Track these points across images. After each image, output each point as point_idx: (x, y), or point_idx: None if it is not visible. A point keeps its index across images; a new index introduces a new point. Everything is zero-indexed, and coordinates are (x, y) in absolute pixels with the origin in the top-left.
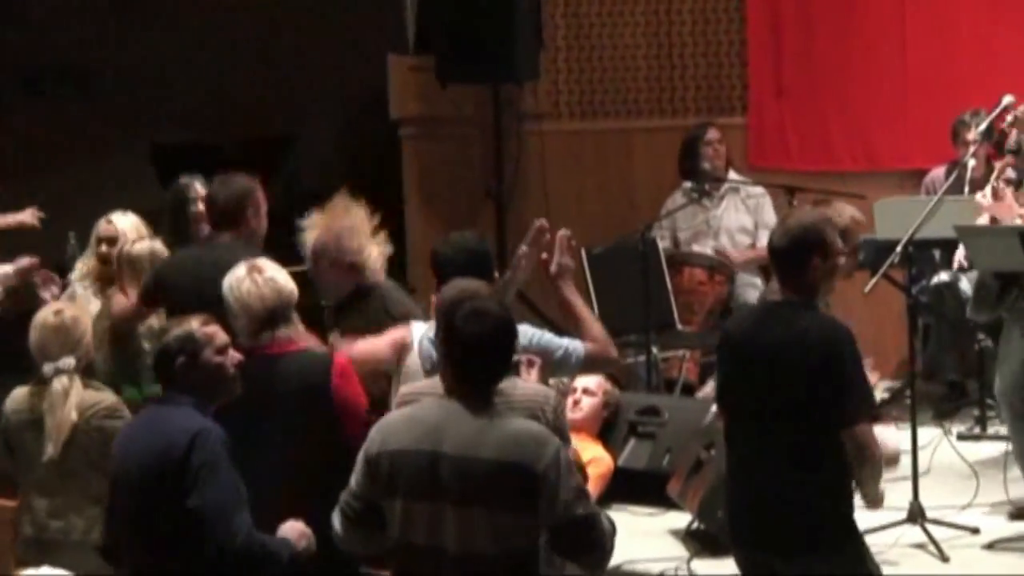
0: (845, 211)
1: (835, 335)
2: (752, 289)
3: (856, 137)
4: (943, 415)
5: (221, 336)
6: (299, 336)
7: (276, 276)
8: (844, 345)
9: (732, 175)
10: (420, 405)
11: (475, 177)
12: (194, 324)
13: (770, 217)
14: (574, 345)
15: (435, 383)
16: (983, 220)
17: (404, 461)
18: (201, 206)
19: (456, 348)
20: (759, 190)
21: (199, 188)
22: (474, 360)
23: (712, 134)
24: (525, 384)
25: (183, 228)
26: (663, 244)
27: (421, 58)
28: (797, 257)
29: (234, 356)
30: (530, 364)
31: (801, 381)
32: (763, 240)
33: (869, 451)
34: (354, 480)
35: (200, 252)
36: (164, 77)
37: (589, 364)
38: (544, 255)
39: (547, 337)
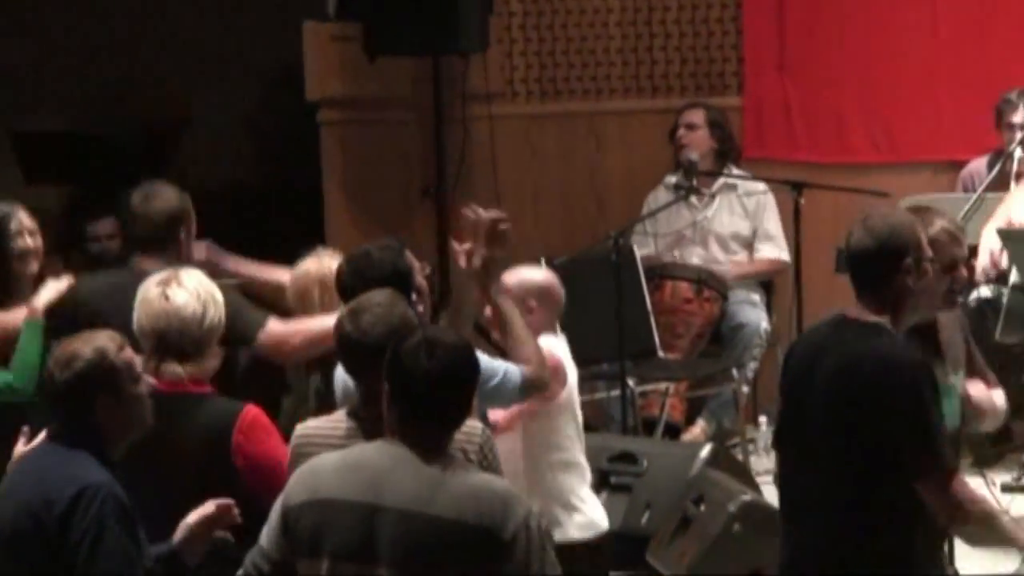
0: (935, 220)
1: (894, 365)
2: (751, 308)
3: (877, 121)
4: (984, 462)
5: (137, 360)
6: (196, 376)
7: (180, 296)
8: (904, 379)
9: (730, 171)
10: (356, 449)
11: (410, 171)
12: (108, 345)
13: (772, 222)
14: (511, 371)
15: (335, 421)
16: (1004, 215)
17: (333, 514)
18: (29, 240)
19: (404, 386)
20: (760, 187)
21: (24, 219)
22: (426, 401)
23: (688, 116)
24: None
25: (2, 267)
26: (641, 253)
27: (344, 26)
28: (882, 263)
29: (147, 382)
30: None
31: (853, 419)
32: (765, 250)
33: (958, 510)
34: (265, 537)
35: (127, 279)
36: (29, 56)
37: (526, 392)
38: (465, 245)
39: (481, 360)
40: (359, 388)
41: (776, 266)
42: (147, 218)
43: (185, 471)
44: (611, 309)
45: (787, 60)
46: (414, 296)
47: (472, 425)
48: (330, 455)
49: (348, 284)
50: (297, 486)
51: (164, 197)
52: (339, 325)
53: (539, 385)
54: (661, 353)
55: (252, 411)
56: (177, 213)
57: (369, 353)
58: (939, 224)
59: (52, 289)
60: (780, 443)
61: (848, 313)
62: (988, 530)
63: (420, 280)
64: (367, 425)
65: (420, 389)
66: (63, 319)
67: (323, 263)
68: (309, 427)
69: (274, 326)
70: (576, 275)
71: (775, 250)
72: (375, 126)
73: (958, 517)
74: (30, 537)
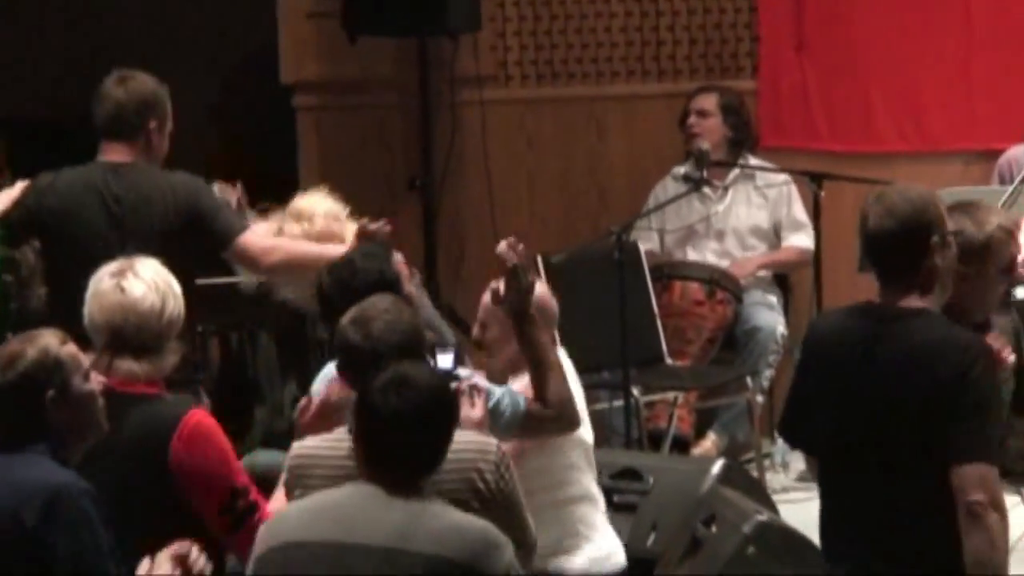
0: (990, 218)
1: (976, 351)
2: (767, 310)
3: (905, 107)
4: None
5: (82, 356)
6: (151, 376)
7: (137, 287)
8: (987, 364)
9: (745, 160)
10: (321, 493)
11: (394, 161)
12: (51, 341)
13: (798, 214)
14: (514, 397)
15: (336, 440)
16: None
17: (299, 556)
18: None
19: (371, 426)
20: (781, 178)
21: None
22: (394, 444)
23: (699, 101)
24: (456, 434)
25: None
26: (647, 250)
27: (322, 3)
28: (910, 243)
29: (97, 379)
30: (473, 393)
31: (937, 409)
32: (795, 239)
33: (984, 508)
34: None
35: (92, 173)
36: None
37: (529, 427)
38: (493, 284)
39: (479, 377)
40: None
41: (800, 256)
42: (115, 100)
43: (119, 477)
44: (614, 312)
45: (806, 39)
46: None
47: (486, 442)
48: (294, 503)
49: (330, 296)
50: (263, 536)
51: (138, 79)
52: (343, 336)
53: (551, 427)
54: (669, 360)
55: (196, 416)
56: (150, 99)
57: (384, 364)
58: (995, 222)
59: (4, 197)
60: (822, 447)
61: (881, 301)
62: (989, 545)
63: (409, 288)
64: None
65: (387, 431)
66: (25, 223)
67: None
68: (307, 447)
69: (255, 236)
70: (575, 274)
71: (806, 239)
72: (356, 112)
73: (980, 515)
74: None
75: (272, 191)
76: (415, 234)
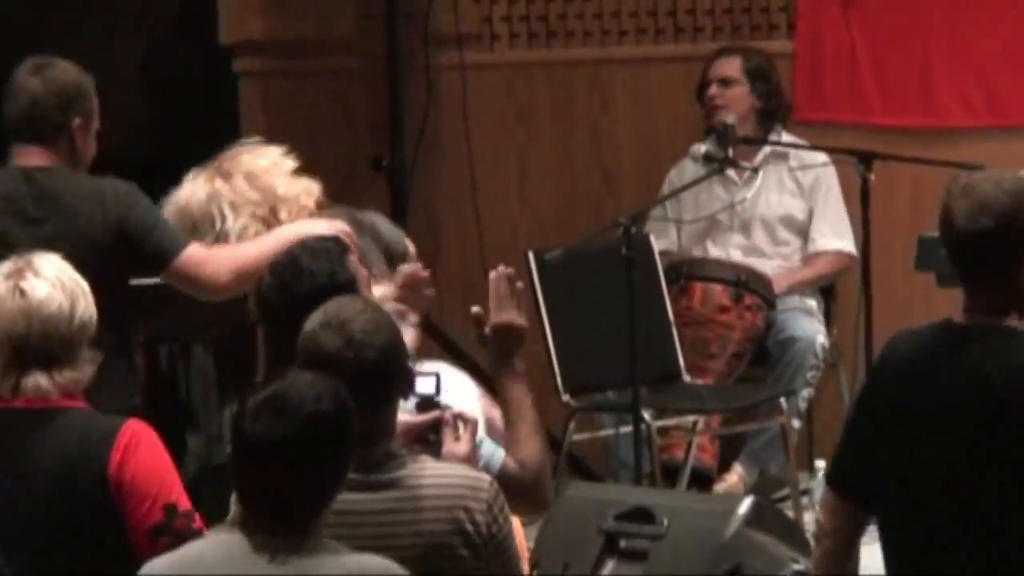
0: None
1: None
2: (805, 318)
3: (972, 75)
4: None
5: None
6: (67, 388)
7: (39, 288)
8: None
9: (778, 137)
10: (195, 543)
11: (356, 137)
12: None
13: (834, 203)
14: (490, 450)
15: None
16: None
17: None
18: None
19: (241, 455)
20: (820, 158)
21: None
22: (264, 477)
23: (721, 67)
24: (442, 466)
25: None
26: (661, 245)
27: None
28: (1005, 247)
29: None
30: (459, 425)
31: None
32: (824, 242)
33: None
34: None
35: (4, 180)
36: None
37: (502, 486)
38: (475, 308)
39: (479, 400)
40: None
41: (840, 263)
42: (31, 94)
43: (48, 498)
44: (621, 319)
45: None
46: None
47: (477, 477)
48: (166, 557)
49: (272, 301)
50: None
51: (59, 68)
52: (314, 345)
53: (521, 492)
54: (687, 378)
55: (134, 426)
56: (72, 92)
57: (377, 375)
58: None
59: None
60: (890, 500)
61: (969, 319)
62: None
63: (368, 293)
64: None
65: (256, 460)
66: None
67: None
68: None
69: (197, 250)
70: (575, 275)
71: (837, 241)
72: (310, 78)
73: None
74: None
75: None
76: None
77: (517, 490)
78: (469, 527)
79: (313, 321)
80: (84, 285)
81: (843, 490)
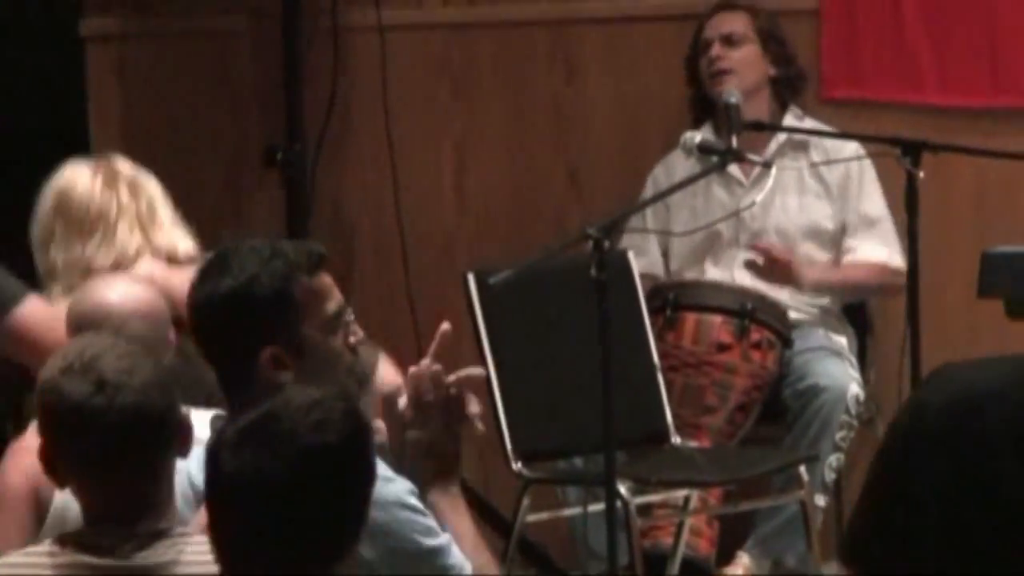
0: None
1: None
2: (832, 360)
3: None
4: None
5: None
6: None
7: None
8: None
9: (798, 122)
10: None
11: (243, 120)
12: None
13: (875, 202)
14: (457, 559)
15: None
16: None
17: None
18: None
19: (225, 504)
20: (852, 148)
21: None
22: (247, 529)
23: (722, 23)
24: None
25: None
26: (644, 264)
27: None
28: None
29: None
30: None
31: None
32: (865, 250)
33: None
34: None
35: None
36: None
37: None
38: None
39: (409, 520)
40: None
41: (884, 277)
42: None
43: None
44: (589, 362)
45: None
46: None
47: None
48: None
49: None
50: None
51: None
52: (54, 397)
53: None
54: (676, 439)
55: None
56: None
57: (141, 426)
58: None
59: None
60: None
61: None
62: None
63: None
64: None
65: (248, 507)
66: None
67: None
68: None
69: (38, 305)
70: (528, 302)
71: (883, 249)
72: (180, 43)
73: None
74: None
75: (50, 158)
76: (274, 234)
77: None
78: None
79: (51, 367)
80: None
81: (857, 565)
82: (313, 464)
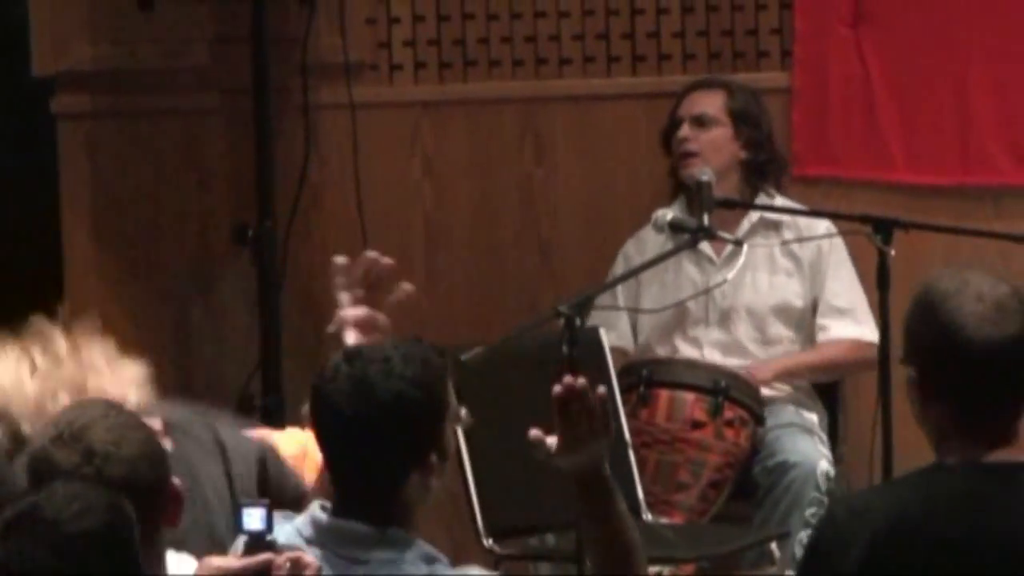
0: None
1: None
2: (803, 437)
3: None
4: None
5: None
6: None
7: None
8: None
9: (770, 201)
10: None
11: (212, 195)
12: None
13: (847, 280)
14: None
15: None
16: None
17: None
18: None
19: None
20: (824, 226)
21: None
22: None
23: (695, 103)
24: None
25: None
26: (615, 342)
27: None
28: None
29: None
30: (294, 568)
31: None
32: (838, 328)
33: None
34: None
35: None
36: None
37: None
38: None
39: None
40: None
41: (859, 353)
42: None
43: None
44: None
45: (867, 5)
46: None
47: None
48: None
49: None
50: None
51: None
52: (45, 466)
53: None
54: (648, 516)
55: None
56: None
57: (131, 497)
58: None
59: None
60: None
61: (970, 458)
62: None
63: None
64: None
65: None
66: None
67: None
68: None
69: None
70: (500, 379)
71: (854, 327)
72: (150, 120)
73: None
74: None
75: (18, 237)
76: (245, 312)
77: None
78: None
79: (44, 436)
80: None
81: None
82: (78, 551)
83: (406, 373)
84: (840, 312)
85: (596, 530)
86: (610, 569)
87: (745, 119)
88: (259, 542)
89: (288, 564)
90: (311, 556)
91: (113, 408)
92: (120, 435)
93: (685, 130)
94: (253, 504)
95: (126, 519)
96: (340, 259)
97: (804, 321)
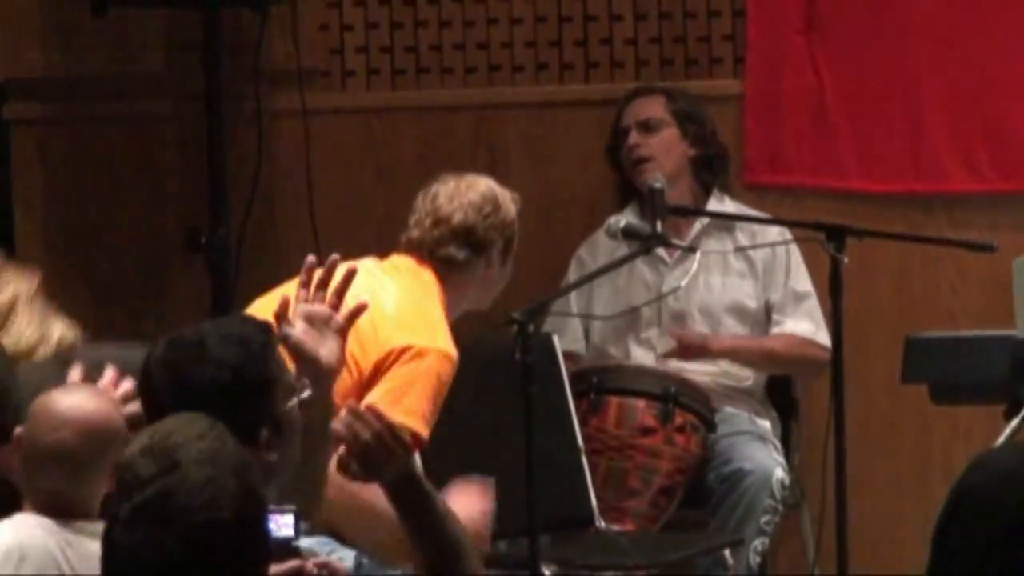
0: None
1: None
2: (756, 444)
3: (977, 128)
4: None
5: None
6: None
7: None
8: None
9: (720, 203)
10: None
11: (165, 203)
12: None
13: (802, 279)
14: None
15: None
16: None
17: None
18: None
19: None
20: (775, 232)
21: None
22: None
23: (640, 108)
24: None
25: None
26: (568, 347)
27: None
28: None
29: None
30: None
31: None
32: (791, 325)
33: None
34: None
35: None
36: None
37: None
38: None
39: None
40: None
41: (811, 351)
42: None
43: None
44: (514, 447)
45: (820, 17)
46: None
47: None
48: None
49: (155, 384)
50: None
51: None
52: (129, 475)
53: None
54: (600, 523)
55: None
56: None
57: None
58: None
59: None
60: None
61: None
62: None
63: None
64: None
65: None
66: None
67: None
68: None
69: None
70: (453, 385)
71: (808, 324)
72: (103, 127)
73: None
74: None
75: None
76: (197, 319)
77: None
78: None
79: (134, 444)
80: None
81: None
82: (206, 540)
83: (220, 356)
84: (795, 311)
85: (418, 531)
86: (440, 569)
87: (689, 118)
88: (286, 549)
89: (316, 570)
90: (339, 561)
91: (217, 429)
92: (212, 458)
93: (634, 137)
94: (281, 511)
95: (257, 505)
96: (311, 258)
97: (757, 321)
